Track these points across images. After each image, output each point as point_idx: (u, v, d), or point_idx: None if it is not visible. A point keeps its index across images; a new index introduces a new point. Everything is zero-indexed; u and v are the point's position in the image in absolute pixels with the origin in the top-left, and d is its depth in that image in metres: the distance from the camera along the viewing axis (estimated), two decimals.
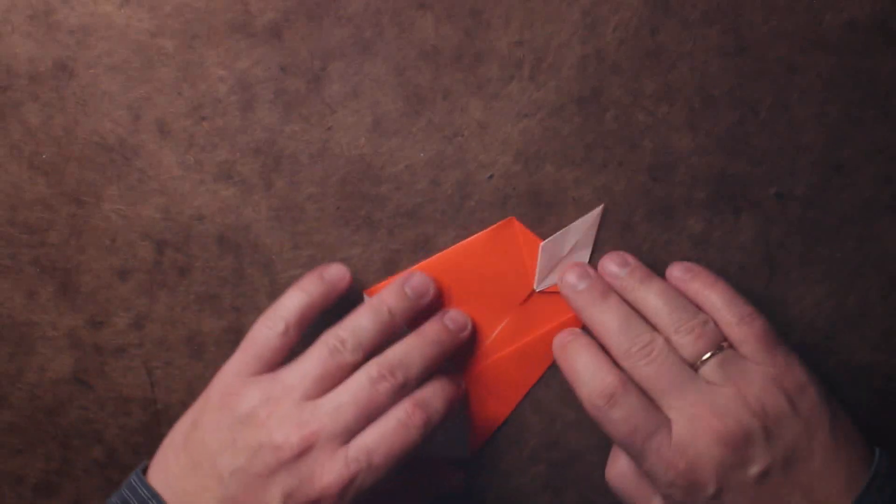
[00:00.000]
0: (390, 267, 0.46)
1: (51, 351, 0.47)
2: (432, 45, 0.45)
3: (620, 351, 0.41)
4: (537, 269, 0.46)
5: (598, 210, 0.46)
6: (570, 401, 0.47)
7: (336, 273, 0.44)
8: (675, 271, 0.44)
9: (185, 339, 0.47)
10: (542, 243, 0.46)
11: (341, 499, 0.38)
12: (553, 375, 0.47)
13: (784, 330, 0.47)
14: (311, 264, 0.46)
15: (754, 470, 0.39)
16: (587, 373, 0.42)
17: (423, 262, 0.46)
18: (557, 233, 0.46)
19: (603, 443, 0.47)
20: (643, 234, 0.46)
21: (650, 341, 0.41)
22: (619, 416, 0.40)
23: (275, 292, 0.46)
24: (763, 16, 0.45)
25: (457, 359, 0.46)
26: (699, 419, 0.39)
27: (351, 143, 0.46)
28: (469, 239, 0.46)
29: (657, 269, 0.46)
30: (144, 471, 0.41)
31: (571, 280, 0.44)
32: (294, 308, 0.42)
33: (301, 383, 0.40)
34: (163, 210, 0.46)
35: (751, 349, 0.41)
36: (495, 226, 0.46)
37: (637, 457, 0.40)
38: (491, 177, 0.46)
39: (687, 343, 0.41)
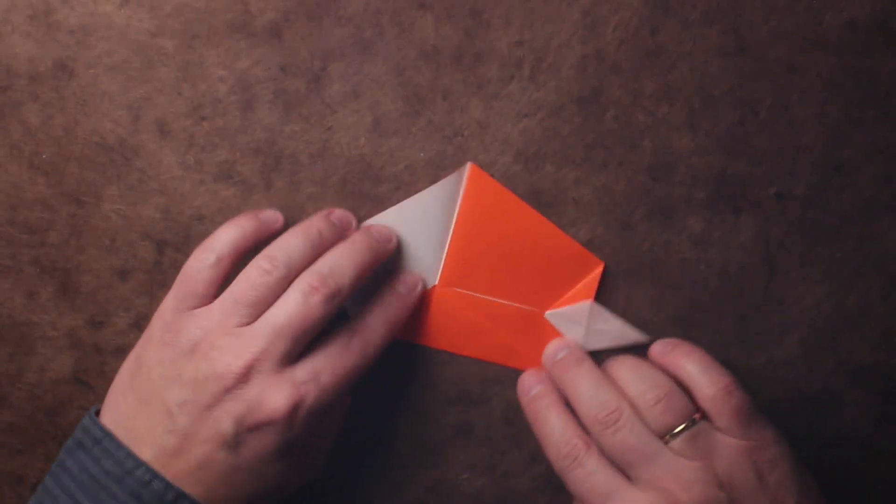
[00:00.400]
0: None
1: (51, 351, 0.47)
2: (432, 45, 0.45)
3: (588, 417, 0.42)
4: (564, 308, 0.46)
5: (645, 338, 0.46)
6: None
7: (270, 215, 0.44)
8: (656, 347, 0.45)
9: None
10: (590, 302, 0.46)
11: (292, 420, 0.39)
12: None
13: (784, 330, 0.47)
14: None
15: None
16: (555, 433, 0.43)
17: (530, 208, 0.45)
18: (608, 312, 0.46)
19: None
20: (643, 234, 0.46)
21: (616, 409, 0.41)
22: (580, 476, 0.41)
23: None
24: (763, 16, 0.45)
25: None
26: (665, 492, 0.39)
27: (351, 143, 0.46)
28: (566, 236, 0.46)
29: (657, 269, 0.46)
30: (97, 413, 0.41)
31: (551, 351, 0.46)
32: (226, 240, 0.42)
33: (236, 311, 0.40)
34: (163, 210, 0.46)
35: (726, 423, 0.41)
36: (586, 251, 0.46)
37: None
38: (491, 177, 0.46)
39: (654, 415, 0.41)
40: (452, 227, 0.45)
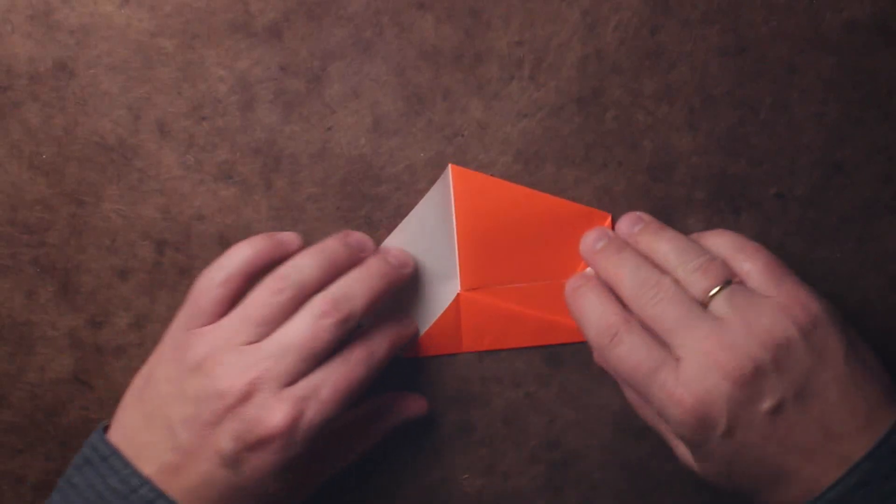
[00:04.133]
0: None
1: (51, 351, 0.47)
2: (432, 45, 0.45)
3: (630, 295, 0.41)
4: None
5: None
6: (570, 401, 0.47)
7: (287, 237, 0.43)
8: (694, 235, 0.44)
9: None
10: None
11: (291, 437, 0.38)
12: (553, 375, 0.47)
13: None
14: None
15: (766, 405, 0.37)
16: (594, 314, 0.42)
17: (521, 187, 0.45)
18: None
19: (603, 442, 0.47)
20: None
21: (657, 282, 0.40)
22: (623, 353, 0.40)
23: None
24: (763, 16, 0.45)
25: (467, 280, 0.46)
26: (707, 354, 0.38)
27: (351, 143, 0.46)
28: (565, 200, 0.46)
29: None
30: (106, 429, 0.41)
31: (590, 240, 0.45)
32: (238, 259, 0.41)
33: (243, 328, 0.39)
34: (163, 210, 0.46)
35: (758, 282, 0.40)
36: (592, 208, 0.45)
37: (644, 394, 0.40)
38: None
39: (695, 280, 0.40)
40: (455, 231, 0.45)
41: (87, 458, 0.40)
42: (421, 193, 0.46)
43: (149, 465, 0.39)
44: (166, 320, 0.46)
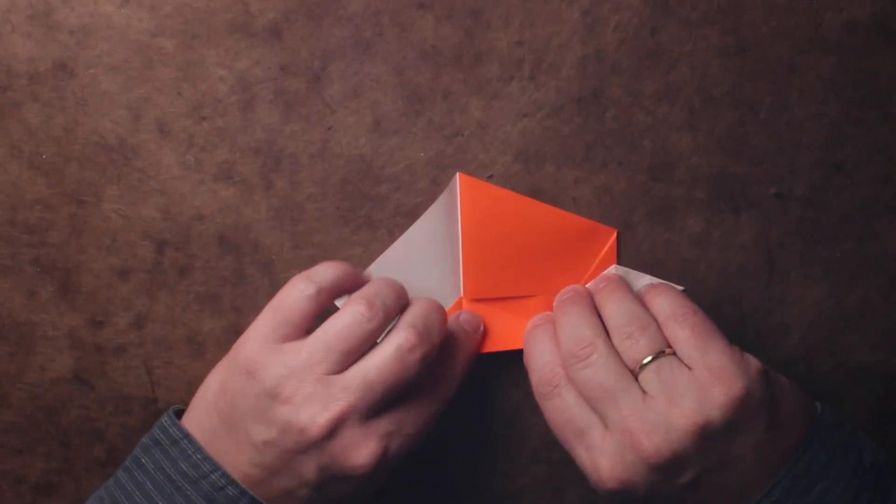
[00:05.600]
0: None
1: (51, 351, 0.47)
2: (432, 45, 0.45)
3: (564, 352, 0.41)
4: (593, 282, 0.46)
5: (679, 288, 0.45)
6: None
7: (358, 271, 0.43)
8: (643, 288, 0.44)
9: (185, 339, 0.47)
10: (614, 266, 0.46)
11: (375, 471, 0.39)
12: None
13: (784, 330, 0.47)
14: (310, 264, 0.46)
15: (684, 479, 0.38)
16: (540, 360, 0.42)
17: (529, 199, 0.45)
18: (634, 270, 0.45)
19: None
20: (643, 234, 0.46)
21: (589, 344, 0.40)
22: (557, 407, 0.40)
23: (275, 293, 0.46)
24: (763, 16, 0.45)
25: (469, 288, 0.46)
26: (630, 434, 0.38)
27: (351, 143, 0.46)
28: (571, 214, 0.46)
29: (657, 269, 0.46)
30: (178, 414, 0.41)
31: (562, 292, 0.45)
32: (328, 275, 0.41)
33: (326, 356, 0.38)
34: (163, 210, 0.46)
35: (684, 349, 0.39)
36: (598, 223, 0.46)
37: (569, 450, 0.40)
38: (491, 177, 0.46)
39: (626, 347, 0.40)
40: (460, 239, 0.45)
41: (157, 440, 0.40)
42: (421, 193, 0.46)
43: (232, 473, 0.39)
44: (166, 320, 0.46)
